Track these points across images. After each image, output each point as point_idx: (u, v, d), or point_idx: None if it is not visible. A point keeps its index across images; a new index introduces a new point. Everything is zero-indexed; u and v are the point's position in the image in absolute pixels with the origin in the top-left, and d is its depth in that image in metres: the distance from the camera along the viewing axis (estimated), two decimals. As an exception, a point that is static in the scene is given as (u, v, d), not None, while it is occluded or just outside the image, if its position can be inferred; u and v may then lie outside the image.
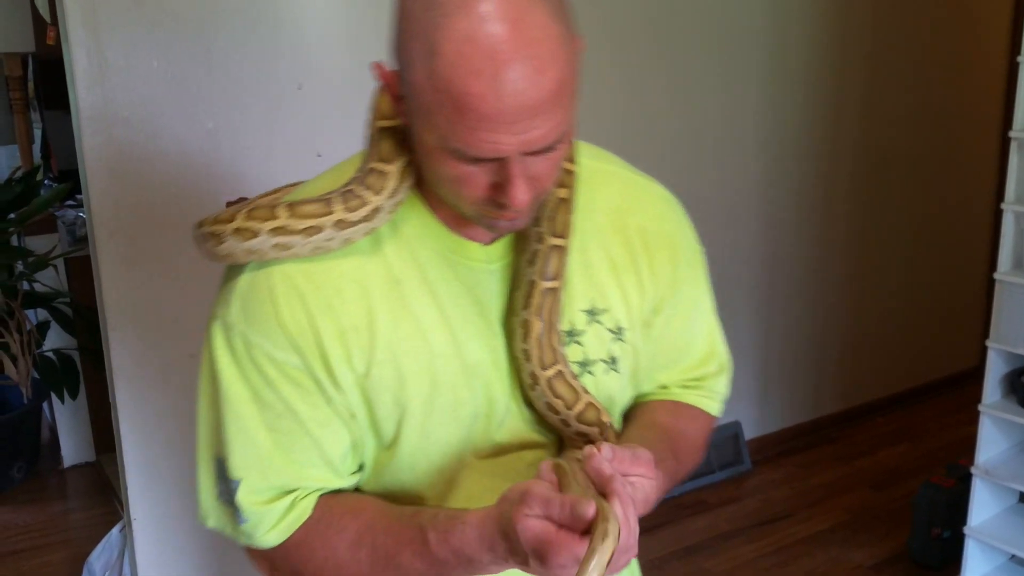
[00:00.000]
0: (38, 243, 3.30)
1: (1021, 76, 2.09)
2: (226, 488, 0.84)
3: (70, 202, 3.39)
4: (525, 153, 0.72)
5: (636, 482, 0.77)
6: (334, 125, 2.28)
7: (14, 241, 3.28)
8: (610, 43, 2.64)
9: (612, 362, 0.91)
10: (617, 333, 0.91)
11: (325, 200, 0.80)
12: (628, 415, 0.99)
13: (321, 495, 0.87)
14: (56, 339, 3.30)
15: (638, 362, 0.94)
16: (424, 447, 0.86)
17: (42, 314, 3.28)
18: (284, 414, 0.82)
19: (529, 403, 0.89)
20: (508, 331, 0.87)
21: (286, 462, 0.84)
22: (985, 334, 2.23)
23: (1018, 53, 2.07)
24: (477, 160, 0.72)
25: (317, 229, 0.79)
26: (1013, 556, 2.40)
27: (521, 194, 0.74)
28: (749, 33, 2.96)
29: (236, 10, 2.10)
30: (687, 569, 2.58)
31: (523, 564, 0.73)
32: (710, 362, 1.03)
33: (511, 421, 0.89)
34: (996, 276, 2.18)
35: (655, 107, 2.81)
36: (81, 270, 3.10)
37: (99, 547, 2.51)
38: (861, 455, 3.34)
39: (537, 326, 0.84)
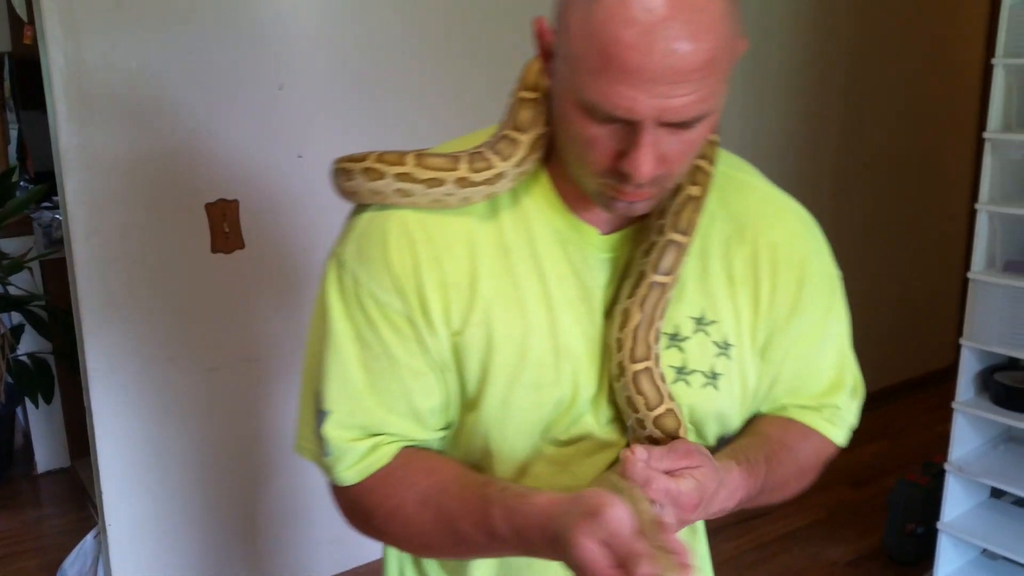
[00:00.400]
0: (13, 245, 3.26)
1: (995, 78, 2.12)
2: (318, 419, 0.87)
3: (46, 204, 3.35)
4: (659, 123, 0.70)
5: (683, 473, 0.75)
6: (315, 126, 2.28)
7: (-12, 243, 3.23)
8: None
9: (712, 376, 0.87)
10: (723, 348, 0.87)
11: (453, 157, 0.82)
12: (753, 423, 0.94)
13: (403, 446, 0.87)
14: (31, 343, 3.26)
15: (744, 384, 0.89)
16: (502, 419, 0.85)
17: (16, 317, 3.24)
18: (381, 356, 0.84)
19: (614, 400, 0.86)
20: (608, 319, 0.85)
21: (375, 404, 0.85)
22: (959, 332, 2.27)
23: (992, 55, 2.11)
24: (609, 119, 0.71)
25: (439, 182, 0.81)
26: (985, 550, 2.43)
27: (645, 165, 0.71)
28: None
29: (216, 10, 2.09)
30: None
31: (570, 567, 0.72)
32: (837, 392, 0.97)
33: (592, 416, 0.87)
34: (970, 275, 2.21)
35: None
36: (57, 273, 3.07)
37: (73, 554, 2.49)
38: (839, 453, 3.36)
39: (636, 317, 0.82)
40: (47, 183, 2.93)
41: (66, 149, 1.98)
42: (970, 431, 2.34)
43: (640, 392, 0.82)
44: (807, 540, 2.80)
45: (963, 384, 2.29)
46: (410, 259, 0.82)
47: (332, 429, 0.85)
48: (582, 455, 0.88)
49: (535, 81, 0.83)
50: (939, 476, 2.40)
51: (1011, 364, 2.32)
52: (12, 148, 3.93)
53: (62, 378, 3.22)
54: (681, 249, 0.83)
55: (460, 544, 0.82)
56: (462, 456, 0.90)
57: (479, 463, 0.89)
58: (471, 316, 0.83)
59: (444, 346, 0.84)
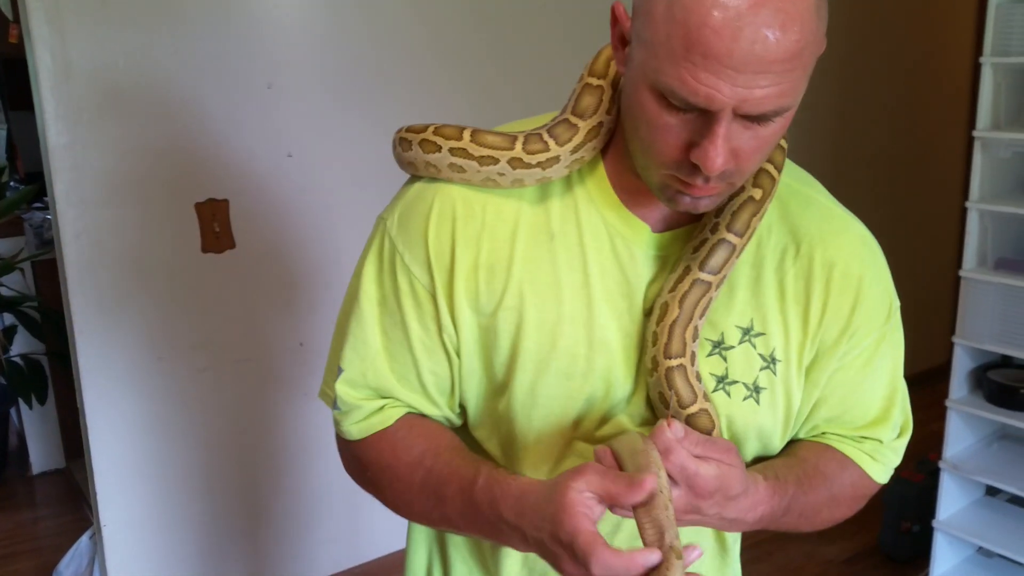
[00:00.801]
0: (5, 246, 3.26)
1: (983, 77, 2.12)
2: (335, 372, 0.88)
3: (37, 204, 3.35)
4: (736, 114, 0.68)
5: (710, 462, 0.73)
6: (304, 125, 2.27)
7: (-21, 244, 3.23)
8: (583, 42, 2.65)
9: (755, 390, 0.83)
10: (769, 362, 0.84)
11: (510, 137, 0.81)
12: (790, 446, 0.91)
13: (409, 412, 0.88)
14: (24, 344, 3.25)
15: (789, 404, 0.85)
16: (529, 406, 0.84)
17: (9, 318, 3.23)
18: (399, 325, 0.85)
19: (650, 401, 0.84)
20: (647, 312, 0.83)
21: (388, 369, 0.86)
22: (952, 331, 2.26)
23: (981, 54, 2.11)
24: (686, 106, 0.68)
25: (492, 160, 0.80)
26: (980, 548, 2.43)
27: (718, 157, 0.69)
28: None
29: (204, 8, 2.09)
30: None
31: (538, 548, 0.72)
32: (881, 426, 0.90)
33: (627, 416, 0.85)
34: (962, 273, 2.21)
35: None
36: (49, 273, 3.06)
37: (68, 555, 2.48)
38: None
39: (674, 312, 0.80)
40: (37, 183, 2.92)
41: (55, 149, 1.98)
42: (964, 429, 2.34)
43: (673, 388, 0.80)
44: (802, 538, 2.79)
45: (956, 382, 2.29)
46: (448, 236, 0.82)
47: (344, 386, 0.87)
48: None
49: (603, 69, 0.82)
50: (934, 474, 2.39)
51: (1004, 362, 2.32)
52: (1, 148, 3.92)
53: (56, 379, 3.22)
54: (733, 250, 0.80)
55: (439, 507, 0.83)
56: (496, 448, 0.89)
57: (511, 457, 0.88)
58: (504, 299, 0.82)
59: (467, 329, 0.84)
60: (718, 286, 0.81)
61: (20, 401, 3.22)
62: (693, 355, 0.81)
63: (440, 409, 0.89)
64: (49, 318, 3.09)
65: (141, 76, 2.03)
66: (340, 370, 0.87)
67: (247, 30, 2.15)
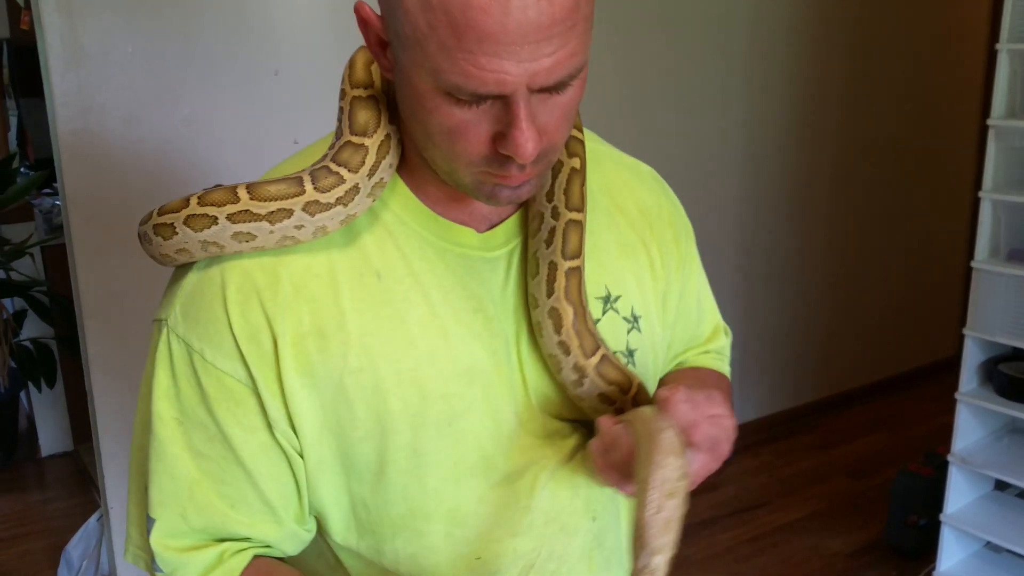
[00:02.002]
0: (14, 231, 3.27)
1: (999, 64, 2.09)
2: (142, 525, 0.74)
3: (47, 190, 3.36)
4: (532, 90, 0.61)
5: (717, 421, 0.72)
6: (312, 111, 2.26)
7: (-10, 229, 3.25)
8: (609, 29, 2.63)
9: (629, 355, 0.82)
10: (633, 322, 0.82)
11: (294, 179, 0.68)
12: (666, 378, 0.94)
13: (256, 556, 0.74)
14: (33, 328, 3.27)
15: (656, 354, 0.86)
16: (417, 471, 0.73)
17: (19, 303, 3.25)
18: (216, 438, 0.71)
19: (546, 411, 0.79)
20: (533, 327, 0.76)
21: (213, 497, 0.72)
22: (963, 322, 2.25)
23: (997, 41, 2.08)
24: (477, 98, 0.61)
25: (285, 213, 0.67)
26: (988, 543, 2.42)
27: (528, 142, 0.62)
28: (732, 22, 2.96)
29: (212, -5, 2.08)
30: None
31: None
32: (718, 338, 0.99)
33: (523, 436, 0.77)
34: (973, 264, 2.19)
35: (638, 97, 2.81)
36: (58, 259, 3.07)
37: (76, 536, 2.50)
38: (839, 443, 3.37)
39: (568, 312, 0.74)
40: (47, 170, 2.93)
41: (64, 135, 1.98)
42: (973, 422, 2.32)
43: (611, 383, 0.76)
44: (806, 531, 2.79)
45: (966, 375, 2.28)
46: (257, 313, 0.69)
47: (161, 538, 0.72)
48: (525, 487, 0.78)
49: (366, 77, 0.71)
50: (942, 467, 2.38)
51: (1015, 354, 2.30)
52: (12, 135, 3.93)
53: (64, 363, 3.24)
54: (581, 227, 0.76)
55: None
56: (378, 548, 0.77)
57: (408, 534, 0.76)
58: (347, 363, 0.70)
59: (307, 414, 0.71)
60: (583, 266, 0.77)
61: (29, 384, 3.24)
62: (603, 339, 0.78)
63: (286, 526, 0.74)
64: (58, 303, 3.11)
65: (150, 63, 2.03)
66: (151, 520, 0.72)
67: (255, 17, 2.15)
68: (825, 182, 3.40)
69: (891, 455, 3.22)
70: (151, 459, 0.72)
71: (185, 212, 0.68)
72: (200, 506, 0.72)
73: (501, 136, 0.63)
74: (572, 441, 0.81)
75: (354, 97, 0.71)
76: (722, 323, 1.01)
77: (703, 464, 0.72)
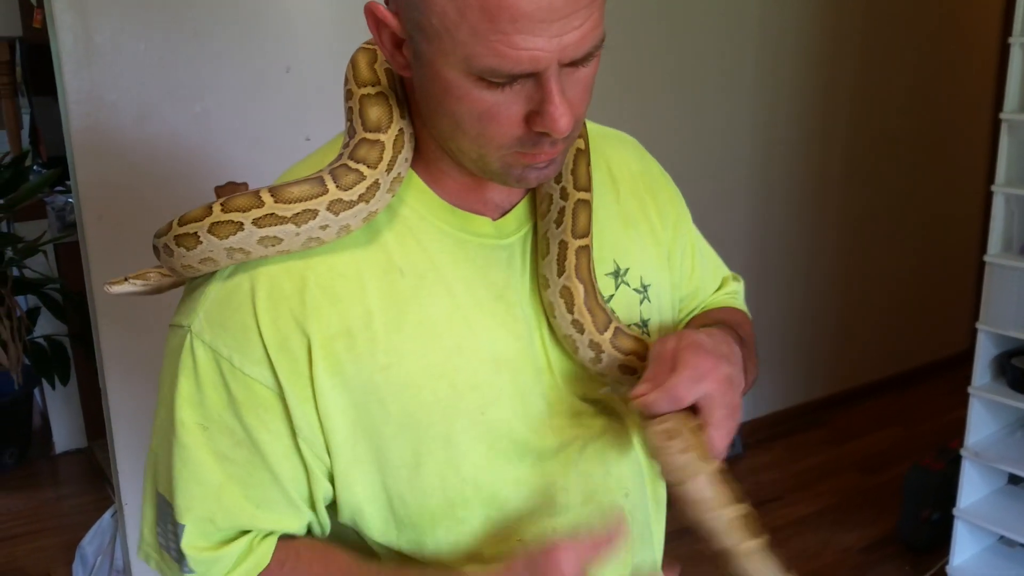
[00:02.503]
0: (28, 229, 3.29)
1: (1012, 58, 2.08)
2: (172, 531, 0.75)
3: (59, 188, 3.38)
4: (563, 64, 0.63)
5: (717, 385, 0.71)
6: (323, 108, 2.27)
7: (4, 227, 3.27)
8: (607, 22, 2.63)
9: (643, 324, 0.84)
10: (643, 292, 0.84)
11: (315, 179, 0.69)
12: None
13: (280, 537, 0.77)
14: (47, 326, 3.29)
15: (671, 319, 0.88)
16: (453, 461, 0.75)
17: (32, 300, 3.27)
18: (243, 443, 0.72)
19: (572, 391, 0.80)
20: (545, 308, 0.78)
21: (240, 499, 0.73)
22: (975, 317, 2.24)
23: (1010, 34, 2.07)
24: (512, 79, 0.63)
25: (311, 214, 0.68)
26: (1001, 537, 2.41)
27: (563, 115, 0.64)
28: (743, 16, 2.95)
29: (223, -8, 2.09)
30: (680, 551, 2.56)
31: None
32: (727, 285, 1.01)
33: (553, 418, 0.79)
34: (986, 258, 2.18)
35: (648, 90, 2.80)
36: (71, 256, 3.09)
37: (91, 532, 2.51)
38: (852, 438, 3.36)
39: (580, 290, 0.76)
40: (60, 167, 2.95)
41: (76, 132, 1.99)
42: (987, 416, 2.32)
43: (628, 353, 0.78)
44: (818, 526, 2.79)
45: (979, 369, 2.27)
46: (288, 319, 0.70)
47: (191, 542, 0.73)
48: (560, 466, 0.80)
49: (371, 76, 0.73)
50: (954, 462, 2.38)
51: (1028, 349, 2.29)
52: (25, 132, 3.95)
53: (78, 360, 3.26)
54: (589, 207, 0.78)
55: None
56: (419, 543, 0.78)
57: (446, 525, 0.78)
58: (376, 360, 0.72)
59: (339, 416, 0.72)
60: (592, 245, 0.79)
61: (43, 382, 3.26)
62: (614, 312, 0.80)
63: (305, 516, 0.77)
64: (71, 300, 3.13)
65: (161, 60, 2.04)
66: (180, 526, 0.73)
67: (266, 14, 2.15)
68: (836, 176, 3.38)
69: (904, 450, 3.21)
70: (175, 466, 0.73)
71: (209, 220, 0.68)
72: (228, 509, 0.73)
73: (535, 114, 0.65)
74: (600, 420, 0.82)
75: (363, 95, 0.72)
76: (729, 273, 1.02)
77: (727, 431, 0.71)
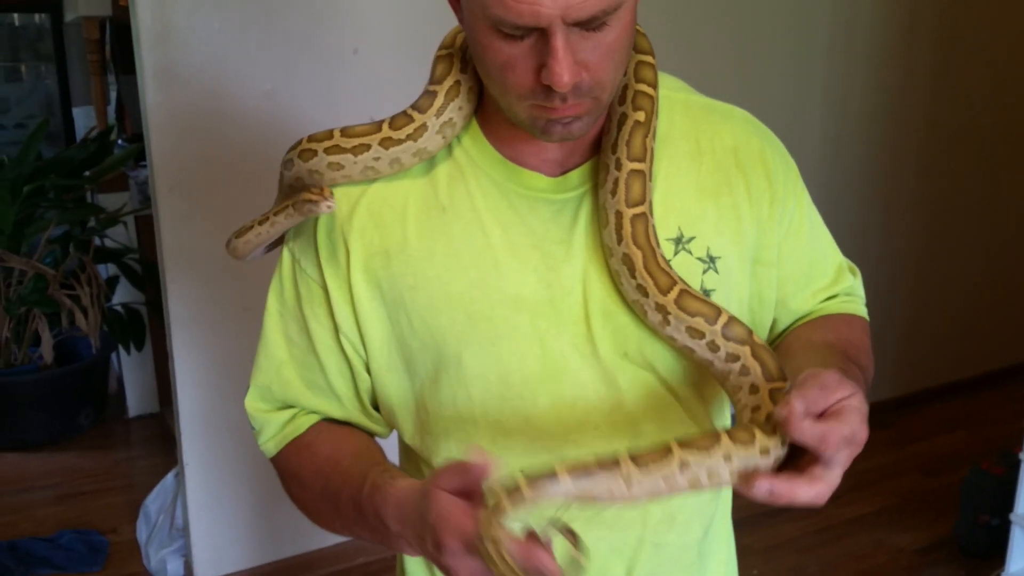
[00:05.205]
0: (110, 201, 3.44)
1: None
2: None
3: (142, 162, 3.51)
4: (568, 23, 0.68)
5: (842, 407, 0.65)
6: (389, 90, 2.31)
7: (88, 198, 3.42)
8: (676, 15, 2.62)
9: (704, 294, 0.83)
10: (709, 262, 0.85)
11: (376, 122, 0.83)
12: (780, 352, 0.88)
13: (321, 419, 0.90)
14: (124, 294, 3.44)
15: (741, 296, 0.88)
16: (463, 382, 0.83)
17: (112, 269, 3.42)
18: (303, 331, 0.88)
19: (615, 351, 0.83)
20: (612, 278, 0.82)
21: (294, 377, 0.89)
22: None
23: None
24: (519, 31, 0.69)
25: (364, 147, 0.82)
26: (1062, 547, 2.33)
27: (564, 71, 0.69)
28: (814, 6, 2.90)
29: (294, -27, 2.15)
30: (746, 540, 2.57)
31: (426, 555, 0.70)
32: (844, 277, 0.96)
33: (581, 371, 0.83)
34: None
35: (720, 82, 2.77)
36: (150, 228, 3.19)
37: (154, 491, 2.62)
38: (915, 441, 3.28)
39: (639, 255, 0.79)
40: (142, 143, 3.07)
41: (152, 107, 2.07)
42: (1050, 421, 2.24)
43: (695, 314, 0.78)
44: (874, 525, 2.74)
45: (1045, 373, 2.20)
46: (337, 232, 0.84)
47: (251, 401, 0.91)
48: (581, 424, 0.83)
49: (450, 40, 0.84)
50: (1015, 467, 2.31)
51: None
52: (111, 108, 4.12)
53: (153, 328, 3.39)
54: (643, 176, 0.81)
55: (338, 517, 0.83)
56: (447, 443, 0.86)
57: (468, 439, 0.85)
58: (405, 279, 0.83)
59: (375, 323, 0.85)
60: (651, 212, 0.81)
61: (119, 347, 3.41)
62: (678, 276, 0.80)
63: (349, 412, 0.90)
64: (148, 269, 3.26)
65: (233, 39, 2.11)
66: (248, 388, 0.91)
67: (336, -5, 2.20)
68: (909, 173, 3.30)
69: (968, 455, 3.12)
70: (260, 341, 0.90)
71: (299, 148, 0.86)
72: (284, 381, 0.89)
73: (543, 68, 0.70)
74: (637, 388, 0.84)
75: (437, 56, 0.84)
76: (845, 262, 0.99)
77: (845, 462, 0.67)
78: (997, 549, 2.43)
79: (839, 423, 0.64)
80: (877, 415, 2.79)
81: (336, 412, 0.90)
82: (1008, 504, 2.29)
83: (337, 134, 0.83)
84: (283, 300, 0.89)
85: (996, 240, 3.62)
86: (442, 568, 0.67)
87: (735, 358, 0.77)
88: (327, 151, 0.83)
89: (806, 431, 0.64)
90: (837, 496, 2.60)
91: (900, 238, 3.36)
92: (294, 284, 0.88)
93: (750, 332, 0.78)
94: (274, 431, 0.90)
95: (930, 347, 3.56)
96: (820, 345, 0.86)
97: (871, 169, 3.20)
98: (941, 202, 3.41)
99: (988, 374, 3.70)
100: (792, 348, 0.88)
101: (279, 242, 0.93)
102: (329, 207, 0.80)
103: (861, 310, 0.97)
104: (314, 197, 0.81)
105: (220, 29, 2.09)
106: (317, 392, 0.89)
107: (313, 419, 0.90)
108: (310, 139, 0.84)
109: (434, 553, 0.67)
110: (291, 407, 0.90)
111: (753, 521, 2.72)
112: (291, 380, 0.89)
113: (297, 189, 0.87)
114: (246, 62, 2.14)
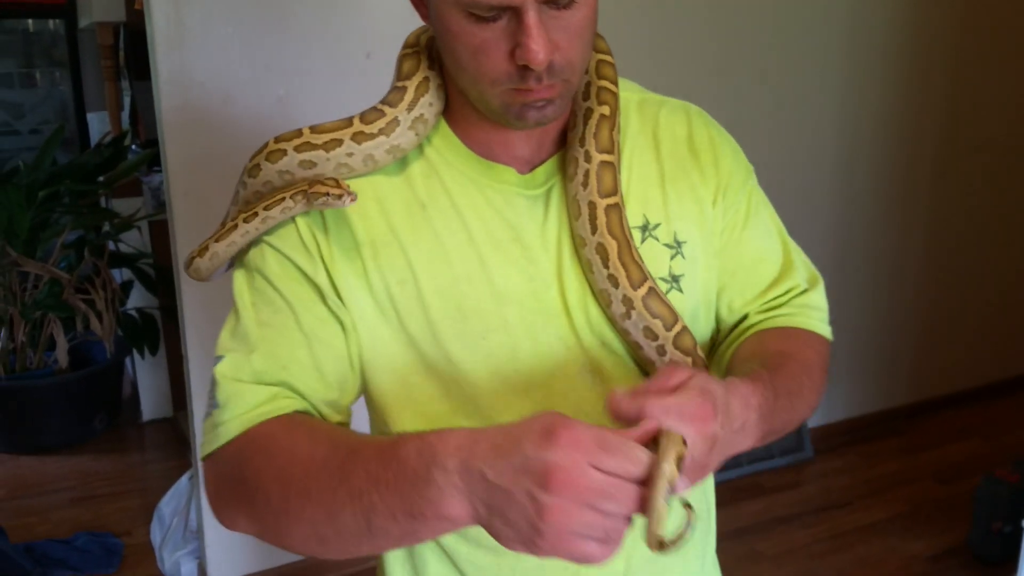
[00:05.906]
0: (124, 206, 3.46)
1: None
2: (211, 379, 0.81)
3: (156, 168, 3.53)
4: (540, 1, 0.71)
5: (681, 385, 0.65)
6: (401, 95, 2.32)
7: (102, 203, 3.44)
8: (690, 18, 2.62)
9: (674, 280, 0.86)
10: (675, 247, 0.87)
11: (347, 119, 0.82)
12: (736, 355, 0.88)
13: (301, 412, 0.80)
14: (139, 298, 3.46)
15: (706, 280, 0.89)
16: (455, 375, 0.83)
17: (126, 274, 3.44)
18: (282, 310, 0.80)
19: (595, 343, 0.84)
20: (583, 266, 0.84)
21: (269, 353, 0.79)
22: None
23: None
24: (493, 11, 0.71)
25: (336, 143, 0.81)
26: (1078, 555, 2.32)
27: (540, 49, 0.71)
28: (830, 8, 2.89)
29: (308, -21, 2.16)
30: (739, 550, 2.57)
31: (488, 494, 0.60)
32: (789, 277, 0.92)
33: (568, 365, 0.84)
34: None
35: (734, 85, 2.78)
36: (163, 232, 3.22)
37: (168, 494, 2.63)
38: (929, 448, 3.26)
39: (613, 245, 0.81)
40: (156, 148, 3.09)
41: (166, 111, 2.09)
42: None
43: (655, 316, 0.81)
44: (887, 532, 2.72)
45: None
46: (317, 220, 0.82)
47: (224, 368, 0.79)
48: (587, 409, 0.82)
49: (413, 40, 0.86)
50: (1029, 474, 2.30)
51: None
52: (125, 114, 4.15)
53: (167, 333, 3.41)
54: (613, 168, 0.83)
55: (344, 482, 0.67)
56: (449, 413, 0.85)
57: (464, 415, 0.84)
58: (394, 274, 0.82)
59: (364, 311, 0.81)
60: (623, 204, 0.83)
61: (134, 352, 3.42)
62: (650, 272, 0.83)
63: (334, 392, 0.82)
64: (162, 274, 3.28)
65: (247, 43, 2.12)
66: (218, 359, 0.80)
67: (349, 1, 2.21)
68: (926, 179, 3.28)
69: (984, 462, 3.10)
70: (229, 319, 0.83)
71: (266, 151, 0.83)
72: (264, 355, 0.80)
73: (518, 47, 0.72)
74: (620, 375, 0.85)
75: (402, 55, 0.85)
76: (803, 270, 0.94)
77: (695, 433, 0.64)
78: (1010, 557, 2.41)
79: (667, 395, 0.64)
80: (891, 422, 2.80)
81: (321, 392, 0.81)
82: (1022, 511, 2.28)
83: (307, 132, 0.82)
84: (253, 285, 0.83)
85: (1013, 247, 3.60)
86: (534, 510, 0.58)
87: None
88: (297, 149, 0.81)
89: (623, 407, 0.63)
90: (849, 502, 2.61)
91: (917, 243, 3.34)
92: (264, 268, 0.82)
93: (695, 345, 0.84)
94: (246, 407, 0.77)
95: (944, 354, 3.54)
96: (744, 357, 0.86)
97: (885, 174, 3.19)
98: (958, 210, 3.40)
99: (1002, 382, 3.68)
100: (731, 364, 0.88)
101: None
102: (353, 199, 0.78)
103: (815, 324, 0.92)
104: (332, 189, 0.78)
105: (234, 33, 2.11)
106: (298, 367, 0.80)
107: (293, 404, 0.79)
108: (277, 140, 0.83)
109: (532, 489, 0.58)
110: (269, 385, 0.79)
111: (765, 527, 2.72)
112: (267, 356, 0.79)
113: (263, 196, 0.83)
114: (260, 67, 2.15)
